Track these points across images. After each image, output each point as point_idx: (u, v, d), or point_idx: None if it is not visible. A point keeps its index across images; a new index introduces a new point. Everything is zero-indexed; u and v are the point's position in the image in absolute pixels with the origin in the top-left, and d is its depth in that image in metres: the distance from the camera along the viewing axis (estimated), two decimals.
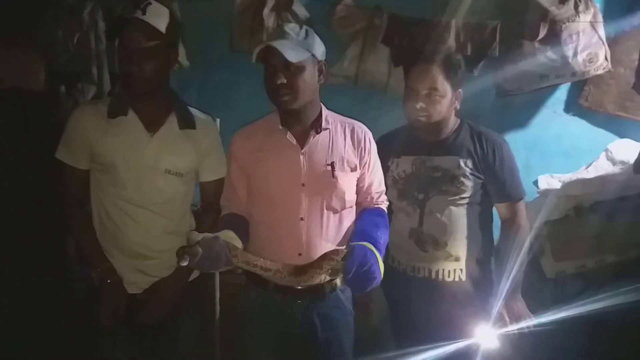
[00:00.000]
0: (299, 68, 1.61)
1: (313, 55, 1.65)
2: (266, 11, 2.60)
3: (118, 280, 1.80)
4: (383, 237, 1.64)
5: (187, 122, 1.85)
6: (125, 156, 1.76)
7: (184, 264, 1.38)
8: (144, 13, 1.69)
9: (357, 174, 1.77)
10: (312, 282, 1.55)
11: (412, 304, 2.01)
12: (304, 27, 1.70)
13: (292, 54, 1.58)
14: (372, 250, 1.52)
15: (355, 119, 1.86)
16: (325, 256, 1.52)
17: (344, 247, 1.66)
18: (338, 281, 1.76)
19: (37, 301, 2.01)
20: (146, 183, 1.79)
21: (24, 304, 2.01)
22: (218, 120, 1.97)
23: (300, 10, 2.65)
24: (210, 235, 1.45)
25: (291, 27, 1.66)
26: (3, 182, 2.20)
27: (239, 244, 1.55)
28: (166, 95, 1.84)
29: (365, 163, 1.79)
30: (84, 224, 1.84)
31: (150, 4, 1.72)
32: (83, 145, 1.78)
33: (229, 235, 1.54)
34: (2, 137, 2.39)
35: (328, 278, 1.59)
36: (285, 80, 1.60)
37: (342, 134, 1.78)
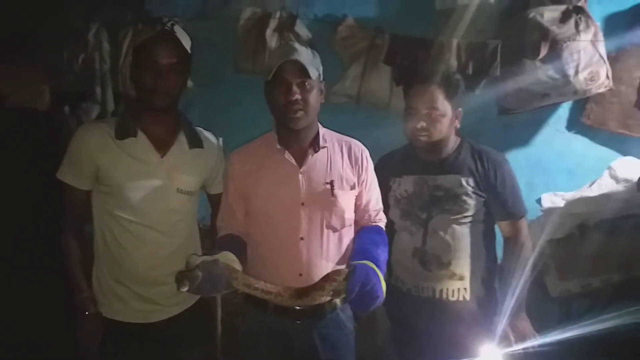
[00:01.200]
0: (312, 85, 1.65)
1: (319, 74, 1.70)
2: (269, 32, 2.64)
3: (97, 313, 1.76)
4: (383, 255, 1.62)
5: (196, 142, 1.86)
6: (135, 178, 1.74)
7: (184, 289, 1.37)
8: (172, 30, 1.73)
9: (355, 191, 1.77)
10: (314, 303, 1.53)
11: (416, 324, 1.99)
12: (308, 47, 1.73)
13: (312, 70, 1.62)
14: (374, 269, 1.51)
15: (357, 139, 1.87)
16: (327, 277, 1.51)
17: (345, 266, 1.65)
18: (338, 301, 1.75)
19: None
20: (157, 204, 1.77)
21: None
22: (220, 139, 1.98)
23: (302, 30, 2.68)
24: (209, 258, 1.43)
25: (298, 46, 1.69)
26: (6, 199, 2.22)
27: (238, 266, 1.53)
28: (174, 114, 1.85)
29: (363, 181, 1.79)
30: (75, 247, 1.80)
31: (174, 23, 1.76)
32: (88, 166, 1.74)
33: (228, 258, 1.51)
34: (6, 155, 2.42)
35: (329, 298, 1.57)
36: (300, 96, 1.62)
37: (340, 152, 1.79)
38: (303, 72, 1.62)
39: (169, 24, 1.74)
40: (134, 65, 1.77)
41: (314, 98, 1.67)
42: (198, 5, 2.89)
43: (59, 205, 1.84)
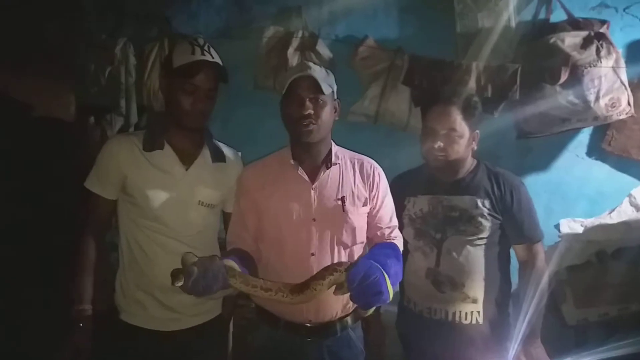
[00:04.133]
0: (324, 101, 1.68)
1: (333, 92, 1.73)
2: (291, 51, 2.67)
3: (89, 329, 1.76)
4: (394, 267, 1.55)
5: (218, 156, 1.90)
6: (160, 189, 1.79)
7: (179, 284, 1.36)
8: (210, 55, 1.78)
9: (367, 208, 1.78)
10: (315, 295, 1.49)
11: (428, 347, 1.97)
12: (322, 66, 1.79)
13: (325, 86, 1.67)
14: (378, 267, 1.46)
15: (375, 158, 1.89)
16: (328, 267, 1.51)
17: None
18: (349, 319, 1.74)
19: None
20: (179, 215, 1.80)
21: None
22: (240, 154, 2.02)
23: (324, 50, 2.71)
24: (207, 256, 1.44)
25: (313, 65, 1.74)
26: (30, 207, 2.26)
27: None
28: (200, 129, 1.88)
29: (375, 196, 1.80)
30: (92, 256, 1.82)
31: (209, 46, 1.81)
32: (116, 176, 1.80)
33: (229, 263, 1.51)
34: (31, 164, 2.47)
35: (332, 289, 1.52)
36: (312, 111, 1.66)
37: (352, 169, 1.80)
38: (316, 88, 1.66)
39: (206, 47, 1.78)
40: (169, 86, 1.80)
41: (327, 114, 1.71)
42: (221, 22, 2.96)
43: (80, 213, 1.88)
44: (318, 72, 1.70)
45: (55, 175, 2.56)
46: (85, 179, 1.84)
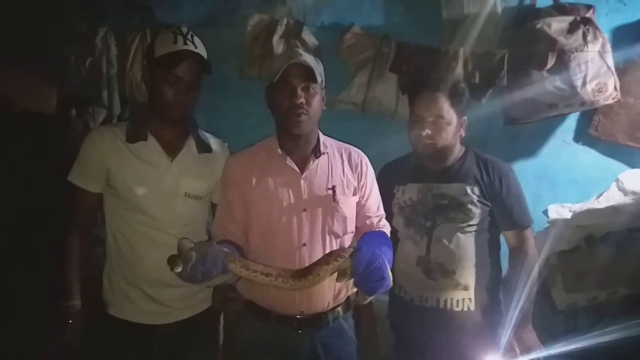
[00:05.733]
0: (315, 91, 1.65)
1: (322, 80, 1.70)
2: (276, 39, 2.64)
3: (78, 325, 1.73)
4: (387, 254, 1.55)
5: (204, 147, 1.88)
6: (144, 181, 1.76)
7: (178, 269, 1.32)
8: (193, 44, 1.74)
9: (356, 197, 1.77)
10: (319, 281, 1.48)
11: (420, 334, 1.97)
12: (312, 55, 1.74)
13: (317, 74, 1.63)
14: (380, 253, 1.47)
15: (362, 147, 1.87)
16: (332, 253, 1.50)
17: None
18: (340, 310, 1.73)
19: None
20: (166, 207, 1.78)
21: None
22: (226, 144, 1.99)
23: (309, 38, 2.68)
24: (203, 241, 1.41)
25: (303, 52, 1.70)
26: (13, 202, 2.22)
27: None
28: (184, 120, 1.86)
29: (363, 186, 1.79)
30: (77, 251, 1.79)
31: (193, 34, 1.77)
32: (99, 169, 1.76)
33: (228, 252, 1.49)
34: (13, 158, 2.42)
35: (334, 276, 1.52)
36: (304, 100, 1.63)
37: (340, 159, 1.79)
38: (308, 76, 1.63)
39: (189, 36, 1.74)
40: (151, 76, 1.77)
41: (317, 103, 1.68)
42: (205, 11, 2.91)
43: (63, 208, 1.84)
44: (309, 59, 1.67)
45: (38, 170, 2.51)
46: (69, 172, 1.80)
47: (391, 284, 1.48)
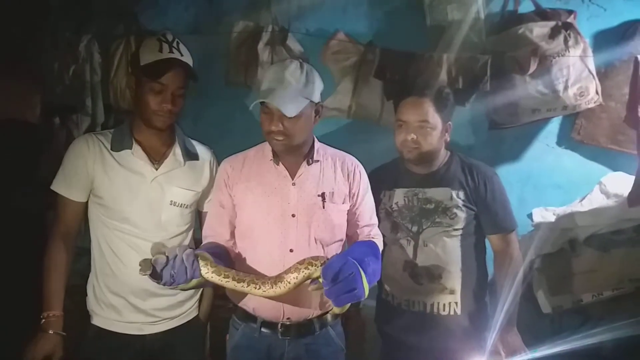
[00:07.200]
0: (296, 117, 1.58)
1: (311, 100, 1.64)
2: (261, 45, 2.64)
3: (60, 336, 1.70)
4: (372, 264, 1.54)
5: (190, 155, 1.86)
6: (129, 189, 1.74)
7: (148, 272, 1.33)
8: (179, 52, 1.73)
9: (347, 205, 1.76)
10: (289, 288, 1.47)
11: (406, 339, 1.98)
12: (305, 69, 1.63)
13: (291, 108, 1.55)
14: (355, 263, 1.45)
15: (348, 152, 1.87)
16: (304, 261, 1.48)
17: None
18: (328, 317, 1.73)
19: None
20: (150, 216, 1.76)
21: None
22: (212, 151, 1.98)
23: (294, 45, 2.69)
24: (177, 245, 1.42)
25: (291, 72, 1.60)
26: None
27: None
28: (170, 127, 1.84)
29: (355, 194, 1.78)
30: (60, 260, 1.75)
31: (179, 42, 1.76)
32: (84, 177, 1.74)
33: (203, 255, 1.49)
34: None
35: (302, 281, 1.50)
36: (281, 128, 1.59)
37: (333, 166, 1.77)
38: (287, 111, 1.55)
39: (174, 43, 1.73)
40: (136, 84, 1.76)
41: (300, 126, 1.62)
42: (190, 18, 2.91)
43: (46, 217, 1.81)
44: (289, 88, 1.57)
45: (21, 179, 2.48)
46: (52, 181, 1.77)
47: (365, 296, 1.45)
